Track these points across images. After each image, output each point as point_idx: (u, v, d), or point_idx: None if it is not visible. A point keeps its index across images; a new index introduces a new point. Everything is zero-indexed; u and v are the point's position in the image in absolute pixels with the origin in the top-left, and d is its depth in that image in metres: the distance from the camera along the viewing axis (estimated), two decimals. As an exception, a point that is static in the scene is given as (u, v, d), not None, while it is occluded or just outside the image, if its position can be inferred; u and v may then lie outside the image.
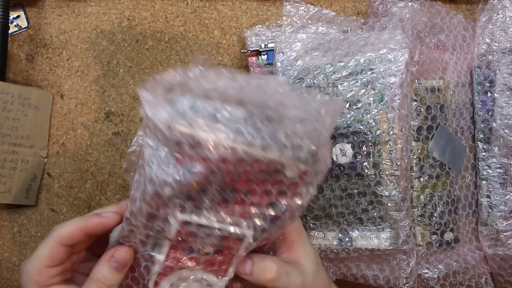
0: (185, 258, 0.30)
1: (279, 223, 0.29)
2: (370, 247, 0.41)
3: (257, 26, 0.48)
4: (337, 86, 0.41)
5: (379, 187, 0.40)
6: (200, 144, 0.24)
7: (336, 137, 0.41)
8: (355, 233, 0.42)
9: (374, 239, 0.41)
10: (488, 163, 0.44)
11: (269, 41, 0.47)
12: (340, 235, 0.42)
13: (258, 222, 0.28)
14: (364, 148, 0.40)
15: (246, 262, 0.32)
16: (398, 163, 0.39)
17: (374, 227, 0.41)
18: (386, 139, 0.39)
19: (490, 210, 0.44)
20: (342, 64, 0.41)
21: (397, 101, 0.39)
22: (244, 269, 0.32)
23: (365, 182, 0.41)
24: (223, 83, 0.26)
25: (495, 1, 0.46)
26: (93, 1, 0.50)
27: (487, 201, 0.44)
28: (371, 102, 0.40)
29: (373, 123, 0.40)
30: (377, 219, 0.41)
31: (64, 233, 0.31)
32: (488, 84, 0.45)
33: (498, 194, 0.44)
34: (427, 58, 0.42)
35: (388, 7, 0.44)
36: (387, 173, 0.40)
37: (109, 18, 0.50)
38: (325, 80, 0.41)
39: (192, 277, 0.31)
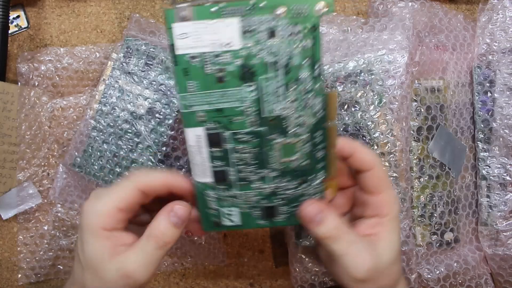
0: None
1: None
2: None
3: (257, 26, 0.48)
4: (336, 87, 0.41)
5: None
6: None
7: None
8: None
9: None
10: (488, 163, 0.44)
11: (269, 41, 0.47)
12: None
13: None
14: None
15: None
16: (397, 165, 0.39)
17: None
18: (385, 141, 0.39)
19: (490, 210, 0.44)
20: (341, 65, 0.41)
21: (396, 103, 0.39)
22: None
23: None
24: None
25: (495, 1, 0.45)
26: (93, 1, 0.50)
27: (487, 201, 0.44)
28: (370, 104, 0.40)
29: (372, 125, 0.40)
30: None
31: (147, 180, 0.29)
32: (488, 84, 0.45)
33: (498, 194, 0.44)
34: (427, 59, 0.42)
35: (388, 7, 0.44)
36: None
37: (109, 18, 0.50)
38: (324, 81, 0.41)
39: None
